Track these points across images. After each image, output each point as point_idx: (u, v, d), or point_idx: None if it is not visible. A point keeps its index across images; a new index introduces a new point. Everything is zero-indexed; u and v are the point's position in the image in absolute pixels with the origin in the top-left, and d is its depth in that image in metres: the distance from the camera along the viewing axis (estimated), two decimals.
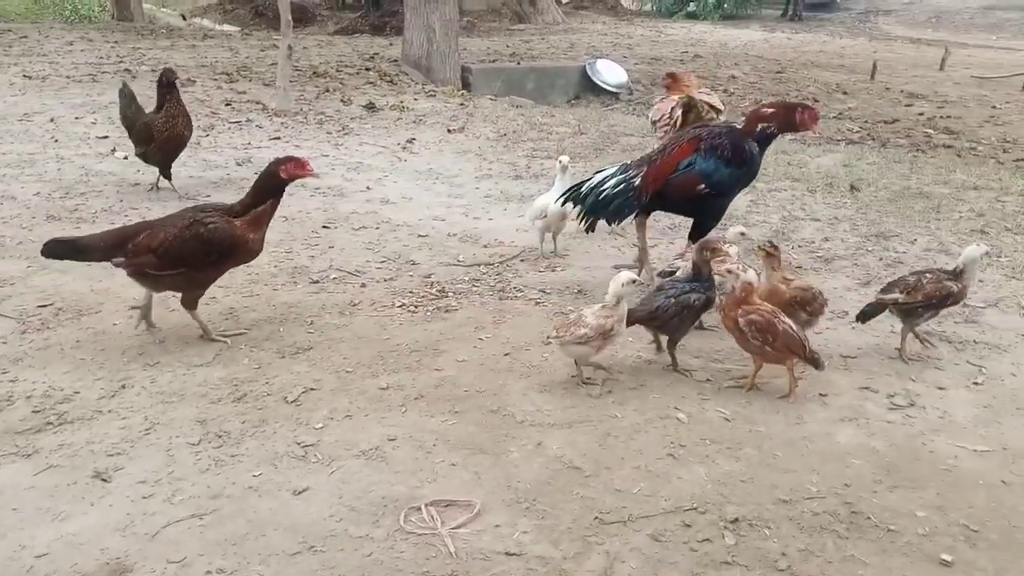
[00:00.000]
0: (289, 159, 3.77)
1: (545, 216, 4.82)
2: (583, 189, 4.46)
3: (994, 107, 11.83)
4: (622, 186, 4.38)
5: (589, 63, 13.67)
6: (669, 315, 3.49)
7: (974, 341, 3.95)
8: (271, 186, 3.75)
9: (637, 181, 4.39)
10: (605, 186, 4.41)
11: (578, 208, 4.48)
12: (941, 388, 3.52)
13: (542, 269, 4.78)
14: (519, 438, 3.08)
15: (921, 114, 11.14)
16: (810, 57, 16.21)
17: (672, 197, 4.41)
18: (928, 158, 8.14)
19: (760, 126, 4.33)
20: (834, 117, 10.53)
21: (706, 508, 2.71)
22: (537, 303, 4.30)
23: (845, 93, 12.45)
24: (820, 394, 3.42)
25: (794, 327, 3.35)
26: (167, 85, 5.92)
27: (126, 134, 6.23)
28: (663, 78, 5.90)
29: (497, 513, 2.67)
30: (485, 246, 5.14)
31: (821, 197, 6.28)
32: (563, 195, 4.58)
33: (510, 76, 12.93)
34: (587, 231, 4.56)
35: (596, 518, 2.66)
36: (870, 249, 5.16)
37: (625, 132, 8.51)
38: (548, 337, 3.48)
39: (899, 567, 2.49)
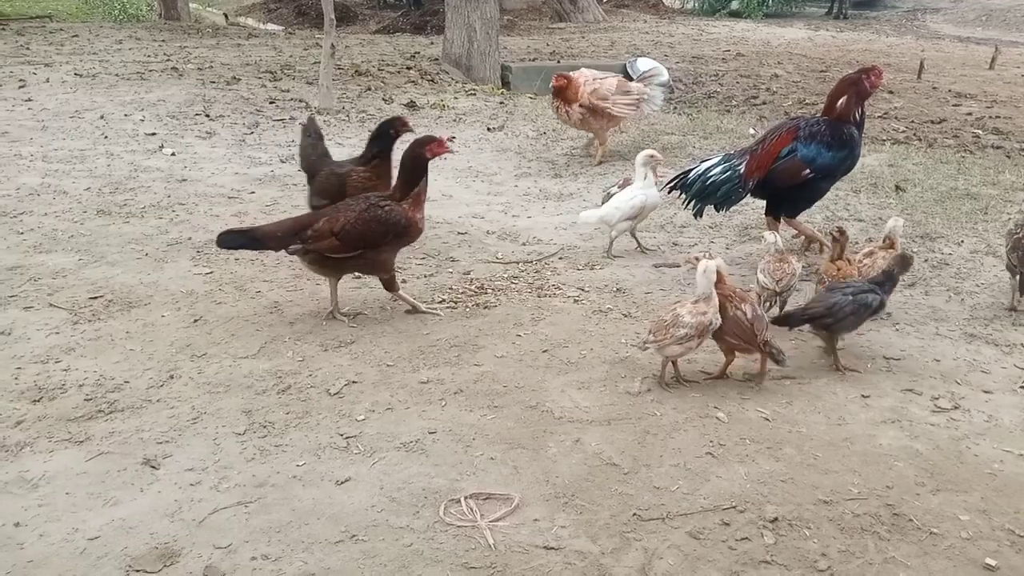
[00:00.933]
0: (430, 139, 4.02)
1: (636, 216, 4.86)
2: (690, 177, 4.70)
3: None
4: (728, 173, 4.62)
5: (630, 61, 13.55)
6: (845, 312, 3.49)
7: (1022, 345, 3.87)
8: (418, 167, 3.97)
9: (742, 169, 4.60)
10: (712, 174, 4.64)
11: (685, 196, 4.74)
12: (987, 392, 3.46)
13: (580, 267, 4.79)
14: (557, 434, 3.10)
15: (969, 114, 10.90)
16: (855, 56, 15.94)
17: (777, 183, 4.63)
18: (976, 159, 7.97)
19: (843, 118, 4.53)
20: (880, 117, 10.35)
21: (745, 507, 2.70)
22: (576, 301, 4.31)
23: (891, 92, 12.22)
24: (862, 395, 3.38)
25: (750, 316, 3.32)
26: (388, 137, 4.74)
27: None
28: (556, 78, 6.82)
29: (535, 507, 2.70)
30: (524, 244, 5.16)
31: (865, 197, 6.19)
32: (670, 183, 4.82)
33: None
34: (695, 216, 4.89)
35: (634, 515, 2.67)
36: (915, 250, 5.07)
37: (665, 131, 8.47)
38: (644, 343, 3.41)
39: (941, 570, 2.46)
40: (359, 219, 3.80)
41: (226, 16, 16.94)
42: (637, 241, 5.06)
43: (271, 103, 9.07)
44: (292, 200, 5.85)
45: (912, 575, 2.44)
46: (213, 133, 7.71)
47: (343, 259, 3.86)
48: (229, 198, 5.85)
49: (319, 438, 3.05)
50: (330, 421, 3.15)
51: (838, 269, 3.89)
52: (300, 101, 9.18)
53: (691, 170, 4.76)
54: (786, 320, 3.63)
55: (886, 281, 3.62)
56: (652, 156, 4.88)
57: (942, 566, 2.48)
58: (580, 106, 6.90)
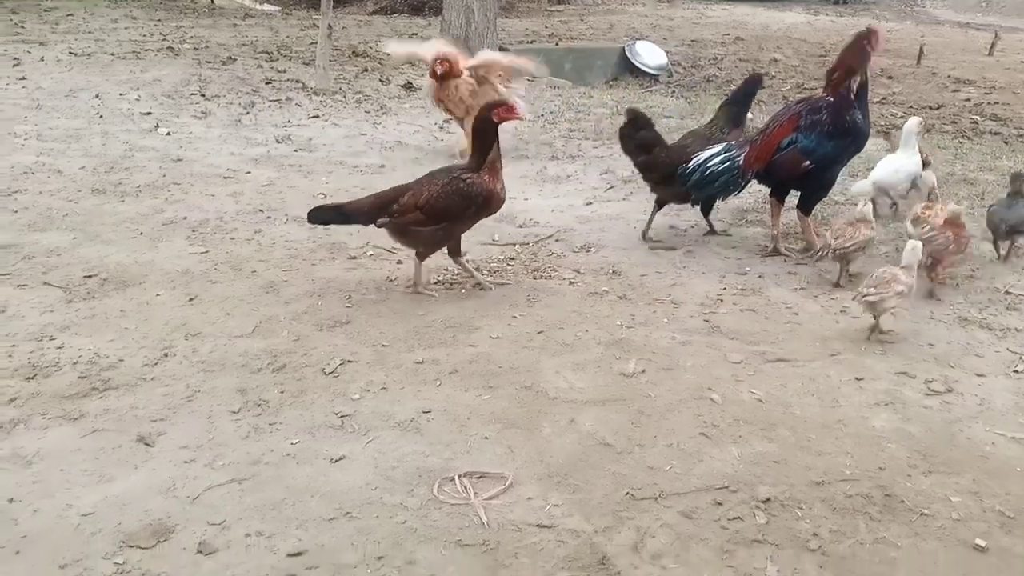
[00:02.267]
0: (499, 103, 4.08)
1: (914, 186, 5.05)
2: (689, 166, 4.64)
3: None
4: (728, 164, 4.58)
5: (628, 44, 13.54)
6: None
7: (1015, 329, 3.88)
8: (488, 134, 3.98)
9: (741, 160, 4.58)
10: (711, 164, 4.59)
11: (684, 185, 4.69)
12: (980, 375, 3.47)
13: (576, 249, 4.78)
14: (552, 414, 3.10)
15: (968, 100, 10.88)
16: None
17: (779, 175, 4.60)
18: (974, 144, 7.96)
19: (849, 89, 4.47)
20: (878, 102, 10.31)
21: (738, 487, 2.71)
22: (571, 283, 4.31)
23: (890, 78, 12.19)
24: (856, 378, 3.39)
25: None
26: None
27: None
28: (439, 62, 6.06)
29: (529, 486, 2.71)
30: (520, 226, 5.15)
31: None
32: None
33: (548, 57, 12.82)
34: (692, 205, 4.89)
35: (627, 494, 2.68)
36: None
37: (664, 114, 8.43)
38: (863, 296, 3.59)
39: (932, 551, 2.48)
40: (442, 193, 3.90)
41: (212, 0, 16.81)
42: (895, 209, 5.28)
43: (267, 83, 9.03)
44: (288, 180, 5.83)
45: (902, 555, 2.46)
46: (209, 113, 7.68)
47: (427, 231, 3.97)
48: (225, 178, 5.83)
49: (314, 417, 3.05)
50: (325, 400, 3.15)
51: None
52: (297, 82, 9.14)
53: (690, 159, 4.69)
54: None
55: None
56: (921, 123, 5.10)
57: (932, 547, 2.50)
58: (468, 77, 6.20)
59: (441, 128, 7.51)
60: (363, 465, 2.78)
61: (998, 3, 24.25)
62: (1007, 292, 4.27)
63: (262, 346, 3.54)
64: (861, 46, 4.49)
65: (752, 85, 5.35)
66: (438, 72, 6.08)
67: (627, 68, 13.18)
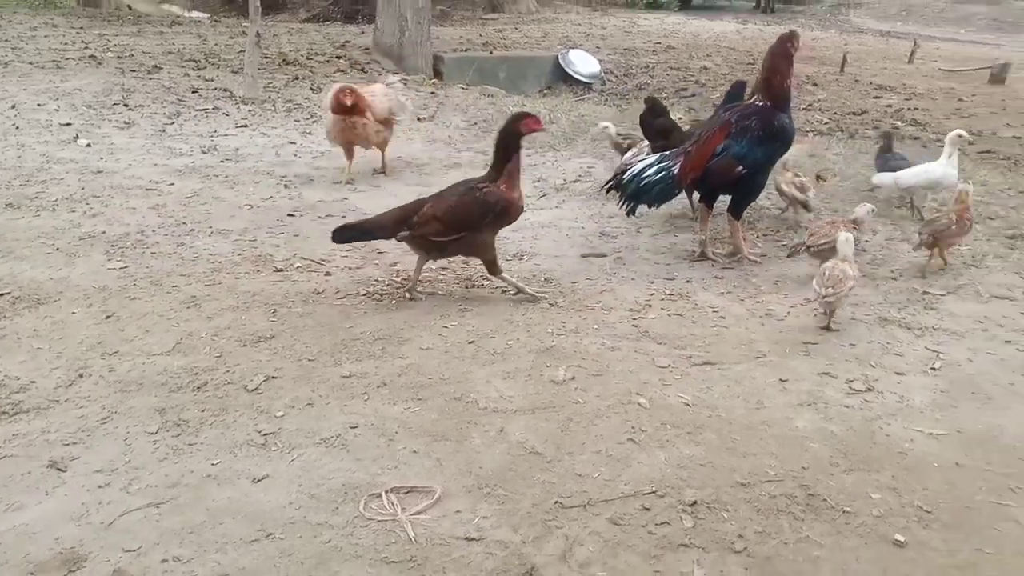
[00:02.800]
0: (525, 115, 4.10)
1: (929, 187, 5.35)
2: (624, 177, 4.72)
3: (960, 100, 11.98)
4: (662, 174, 4.63)
5: (562, 53, 13.66)
6: None
7: (932, 327, 4.00)
8: (512, 144, 4.06)
9: (676, 169, 4.63)
10: (646, 174, 4.65)
11: (619, 196, 4.75)
12: (899, 373, 3.56)
13: (509, 258, 4.77)
14: (481, 424, 3.08)
15: (889, 106, 11.26)
16: None
17: (713, 181, 4.69)
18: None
19: (777, 94, 4.59)
20: (803, 108, 10.60)
21: (665, 492, 2.73)
22: (504, 291, 4.29)
23: (815, 85, 12.55)
24: (780, 379, 3.45)
25: None
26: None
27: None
28: (347, 93, 5.81)
29: (458, 499, 2.68)
30: None
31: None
32: (606, 184, 4.89)
33: (482, 65, 12.88)
34: (628, 215, 4.87)
35: (556, 502, 2.66)
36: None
37: (596, 122, 8.49)
38: (823, 297, 3.79)
39: (853, 548, 2.52)
40: (460, 203, 4.01)
41: (129, 7, 16.39)
42: (919, 210, 5.51)
43: (194, 92, 8.82)
44: (213, 192, 5.69)
45: (825, 553, 2.50)
46: (132, 123, 7.46)
47: (447, 241, 4.05)
48: (147, 190, 5.67)
49: (236, 436, 2.96)
50: (247, 418, 3.07)
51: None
52: (224, 91, 8.95)
53: (625, 171, 4.76)
54: None
55: None
56: (961, 136, 5.32)
57: (854, 543, 2.54)
58: (376, 120, 6.04)
59: (420, 120, 7.40)
60: (287, 484, 2.72)
61: (917, 12, 25.17)
62: (925, 292, 4.40)
63: (182, 363, 3.43)
64: (785, 49, 4.62)
65: (737, 89, 5.60)
66: (348, 103, 5.78)
67: (561, 76, 13.30)
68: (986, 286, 4.49)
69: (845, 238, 3.98)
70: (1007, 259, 4.92)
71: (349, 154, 6.16)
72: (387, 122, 6.23)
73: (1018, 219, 5.72)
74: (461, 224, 4.00)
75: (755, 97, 4.69)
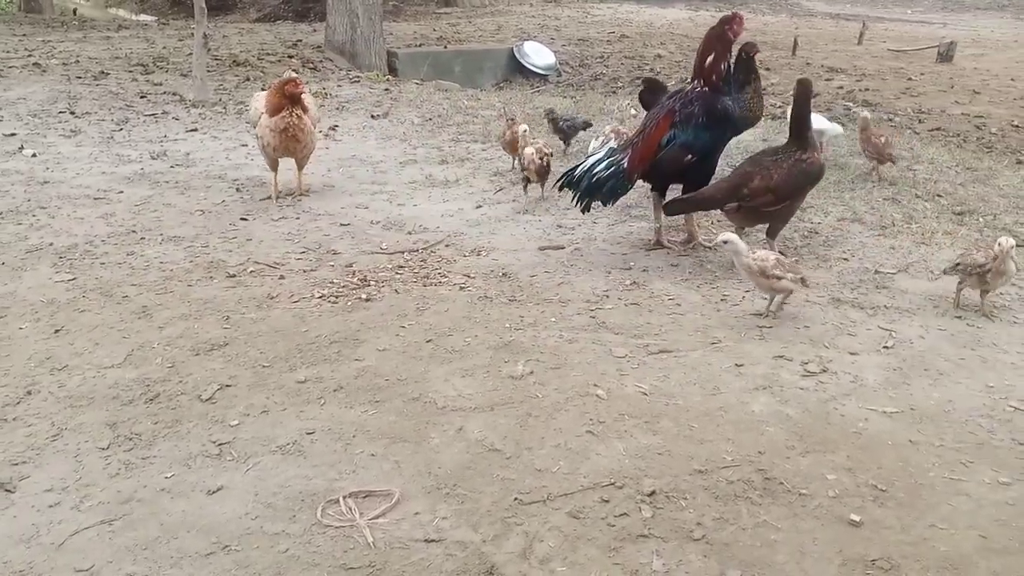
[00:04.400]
0: (809, 84, 4.60)
1: None
2: (576, 174, 4.68)
3: (910, 79, 12.18)
4: (613, 168, 4.62)
5: (517, 45, 13.64)
6: None
7: (884, 306, 4.06)
8: (807, 109, 4.48)
9: (625, 164, 4.60)
10: (596, 169, 4.63)
11: (573, 192, 4.70)
12: (853, 353, 3.61)
13: (467, 254, 4.75)
14: (440, 424, 3.06)
15: (841, 87, 11.41)
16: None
17: (664, 172, 4.71)
18: (846, 131, 8.32)
19: (715, 76, 4.59)
20: None
21: (624, 483, 2.73)
22: (462, 288, 4.28)
23: (768, 69, 12.65)
24: (736, 364, 3.48)
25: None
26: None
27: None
28: (294, 82, 5.40)
29: (417, 501, 2.66)
30: (409, 233, 5.08)
31: None
32: (558, 180, 4.85)
33: (437, 60, 12.82)
34: (583, 212, 4.82)
35: (516, 499, 2.66)
36: None
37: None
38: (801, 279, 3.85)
39: (810, 530, 2.55)
40: (790, 174, 4.30)
41: (74, 11, 16.04)
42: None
43: (142, 97, 8.67)
44: (164, 198, 5.60)
45: (783, 537, 2.52)
46: (79, 131, 7.31)
47: (773, 211, 4.37)
48: (95, 199, 5.55)
49: (190, 447, 2.92)
50: (201, 428, 3.02)
51: None
52: (174, 95, 8.81)
53: (577, 167, 4.73)
54: None
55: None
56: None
57: (810, 525, 2.57)
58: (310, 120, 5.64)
59: (327, 136, 7.35)
60: (242, 494, 2.68)
61: None
62: (877, 271, 4.47)
63: (134, 376, 3.37)
64: (723, 31, 4.61)
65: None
66: (295, 92, 5.36)
67: (516, 69, 13.29)
68: (936, 263, 4.57)
69: (725, 236, 3.96)
70: (955, 235, 5.01)
71: (276, 167, 5.63)
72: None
73: (966, 195, 5.84)
74: (788, 194, 4.33)
75: (696, 82, 4.68)
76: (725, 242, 3.89)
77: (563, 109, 7.85)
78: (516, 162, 5.94)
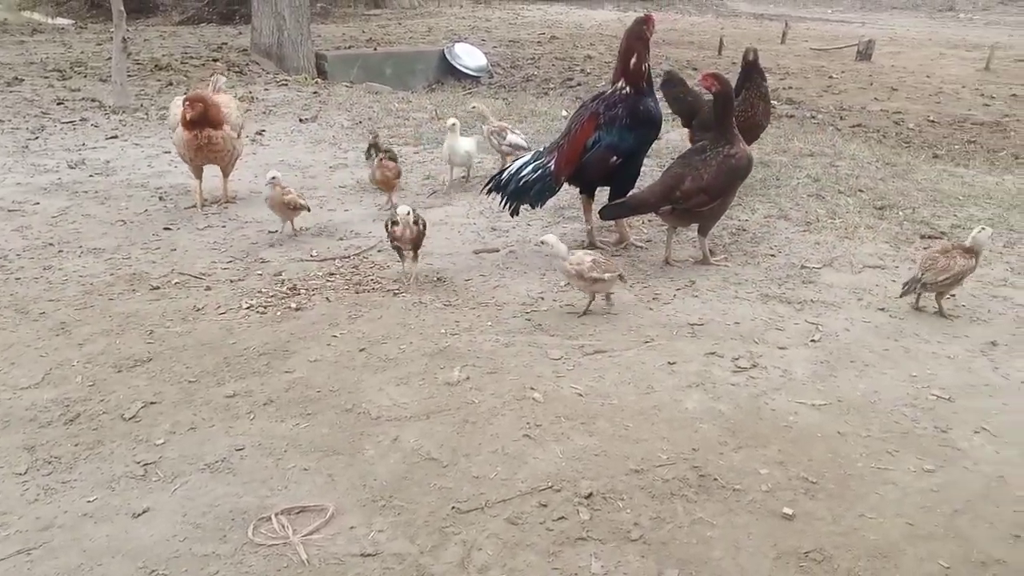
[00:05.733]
0: (717, 75, 4.49)
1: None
2: (503, 177, 4.69)
3: (831, 77, 12.54)
4: (540, 172, 4.64)
5: (448, 47, 13.58)
6: None
7: (811, 300, 4.16)
8: (731, 102, 4.53)
9: (552, 166, 4.62)
10: (523, 173, 4.65)
11: (500, 196, 4.72)
12: (782, 348, 3.68)
13: (399, 259, 4.69)
14: (375, 435, 3.01)
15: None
16: (661, 35, 16.62)
17: (591, 175, 4.71)
18: (771, 128, 8.50)
19: (638, 77, 4.61)
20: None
21: (561, 486, 2.73)
22: (395, 294, 4.22)
23: (695, 69, 12.84)
24: (669, 362, 3.51)
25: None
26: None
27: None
28: (192, 103, 5.14)
29: (352, 514, 2.61)
30: (340, 239, 5.01)
31: None
32: (486, 185, 4.85)
33: (367, 62, 12.68)
34: (512, 215, 4.84)
35: (453, 508, 2.63)
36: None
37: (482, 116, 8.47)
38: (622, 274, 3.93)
39: (744, 525, 2.59)
40: (719, 172, 4.31)
41: None
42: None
43: (59, 104, 8.35)
44: (83, 209, 5.39)
45: (718, 533, 2.55)
46: None
47: (706, 210, 4.38)
48: (9, 211, 5.31)
49: (113, 469, 2.80)
50: (125, 449, 2.91)
51: None
52: (93, 100, 8.52)
53: (504, 171, 4.76)
54: None
55: None
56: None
57: (745, 520, 2.61)
58: (230, 129, 5.38)
59: (253, 141, 7.19)
60: (170, 515, 2.59)
61: None
62: (803, 267, 4.57)
63: (52, 396, 3.23)
64: (641, 31, 4.63)
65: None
66: (188, 116, 5.08)
67: (448, 71, 13.23)
68: (859, 256, 4.70)
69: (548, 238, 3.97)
70: (877, 229, 5.16)
71: (199, 173, 5.43)
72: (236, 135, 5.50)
73: (886, 190, 6.02)
74: (720, 191, 4.33)
75: (618, 84, 4.71)
76: (543, 243, 3.94)
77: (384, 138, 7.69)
78: (388, 200, 5.53)
